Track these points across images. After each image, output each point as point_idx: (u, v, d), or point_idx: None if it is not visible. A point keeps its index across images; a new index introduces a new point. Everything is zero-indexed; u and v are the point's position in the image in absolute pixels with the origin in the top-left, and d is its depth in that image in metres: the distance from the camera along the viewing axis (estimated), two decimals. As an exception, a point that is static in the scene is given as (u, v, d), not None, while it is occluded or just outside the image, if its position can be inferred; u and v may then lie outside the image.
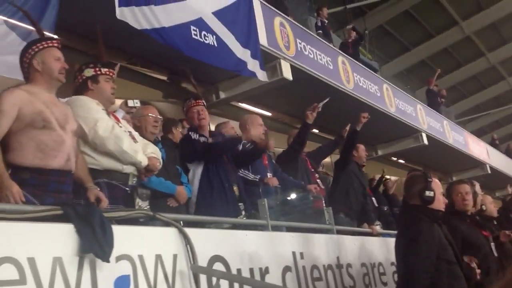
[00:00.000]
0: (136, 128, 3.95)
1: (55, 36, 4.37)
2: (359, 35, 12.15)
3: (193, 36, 5.81)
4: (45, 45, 2.95)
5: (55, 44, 3.00)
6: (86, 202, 2.76)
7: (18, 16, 3.98)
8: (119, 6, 4.82)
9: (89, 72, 3.32)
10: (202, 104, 4.52)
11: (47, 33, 4.15)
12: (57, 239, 2.32)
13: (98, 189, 2.94)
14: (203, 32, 5.96)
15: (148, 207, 3.28)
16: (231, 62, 6.40)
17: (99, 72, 3.33)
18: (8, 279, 2.07)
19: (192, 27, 5.82)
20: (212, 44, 6.06)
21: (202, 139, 4.33)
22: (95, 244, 2.34)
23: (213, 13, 6.19)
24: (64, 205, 2.48)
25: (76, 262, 2.34)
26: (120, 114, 3.85)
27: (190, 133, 4.42)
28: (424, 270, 3.12)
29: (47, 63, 2.91)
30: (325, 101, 5.57)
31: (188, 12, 5.82)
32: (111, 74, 3.40)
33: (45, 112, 2.76)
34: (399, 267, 3.51)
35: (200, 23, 5.97)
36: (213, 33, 6.12)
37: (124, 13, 4.88)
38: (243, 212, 4.26)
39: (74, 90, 3.42)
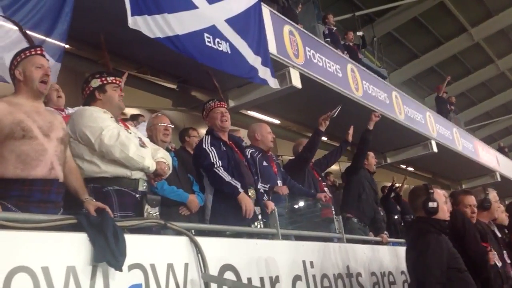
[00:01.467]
0: (148, 137, 3.98)
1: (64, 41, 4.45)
2: (363, 41, 12.23)
3: (207, 43, 5.85)
4: (28, 54, 2.93)
5: (38, 52, 2.97)
6: (99, 211, 2.73)
7: (28, 26, 4.01)
8: (132, 15, 4.85)
9: (95, 83, 3.34)
10: (225, 106, 4.50)
11: (58, 43, 4.21)
12: (70, 248, 2.34)
13: (94, 200, 2.87)
14: (217, 39, 6.00)
15: (158, 213, 3.26)
16: (244, 69, 6.44)
17: (105, 82, 3.34)
18: (23, 288, 2.09)
19: (205, 34, 5.86)
20: (226, 51, 6.11)
21: (213, 152, 4.16)
22: (108, 253, 2.35)
23: (225, 20, 6.23)
24: (78, 214, 2.50)
25: (89, 271, 2.35)
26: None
27: (205, 137, 4.30)
28: (435, 282, 3.14)
29: (28, 72, 2.87)
30: (338, 108, 5.59)
31: (201, 19, 5.86)
32: (117, 82, 3.40)
33: (26, 121, 2.73)
34: (411, 280, 3.54)
35: (214, 30, 6.02)
36: (226, 40, 6.16)
37: (137, 22, 4.92)
38: (259, 217, 4.18)
39: (83, 101, 3.44)
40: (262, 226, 4.18)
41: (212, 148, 4.17)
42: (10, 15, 3.97)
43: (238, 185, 4.05)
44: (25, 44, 3.10)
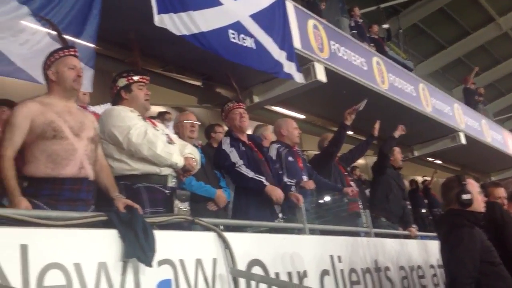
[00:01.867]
0: (175, 134, 4.02)
1: (93, 43, 4.52)
2: (389, 33, 12.12)
3: (231, 40, 5.88)
4: (61, 55, 2.98)
5: (72, 53, 3.02)
6: (128, 208, 2.78)
7: (61, 27, 4.09)
8: (158, 13, 4.92)
9: (122, 82, 3.39)
10: (244, 107, 4.54)
11: (87, 44, 4.28)
12: (101, 245, 2.38)
13: (124, 197, 2.92)
14: (241, 35, 6.04)
15: (188, 208, 3.29)
16: (269, 64, 6.45)
17: (131, 81, 3.38)
18: (56, 284, 2.14)
19: (230, 31, 5.90)
20: (251, 46, 6.14)
21: (234, 152, 4.22)
22: (138, 249, 2.39)
23: (250, 16, 6.26)
24: (108, 211, 2.55)
25: (120, 267, 2.40)
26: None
27: (224, 139, 4.38)
28: (467, 276, 3.09)
29: (61, 73, 2.92)
30: (364, 102, 5.55)
31: (225, 16, 5.90)
32: (144, 80, 3.44)
33: (57, 121, 2.78)
34: (445, 274, 3.50)
35: (238, 26, 6.05)
36: (251, 35, 6.19)
37: (163, 20, 4.98)
38: (280, 215, 4.23)
39: (111, 101, 3.50)
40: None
41: (232, 148, 4.23)
42: (40, 19, 4.06)
43: (263, 179, 4.11)
44: (57, 46, 3.16)
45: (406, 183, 8.76)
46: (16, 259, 2.05)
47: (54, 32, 3.98)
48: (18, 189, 2.58)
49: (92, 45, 4.46)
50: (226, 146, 4.26)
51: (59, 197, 2.71)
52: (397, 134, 6.13)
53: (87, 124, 2.94)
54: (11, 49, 3.95)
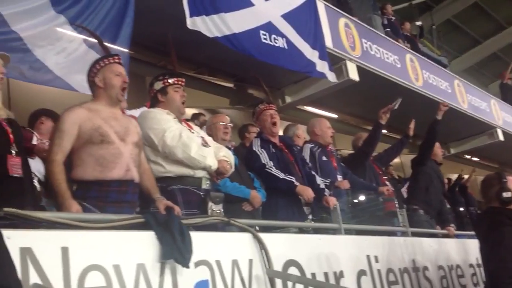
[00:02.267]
0: (208, 135, 4.05)
1: (128, 51, 4.59)
2: (421, 31, 11.93)
3: (263, 40, 5.90)
4: (107, 62, 3.05)
5: (116, 60, 3.10)
6: (169, 210, 2.81)
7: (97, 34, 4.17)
8: (190, 16, 4.97)
9: (158, 85, 3.46)
10: (274, 108, 4.55)
11: (122, 49, 4.35)
12: (139, 247, 2.41)
13: (165, 199, 2.97)
14: (273, 36, 6.05)
15: (222, 210, 3.32)
16: (301, 63, 6.45)
17: (167, 83, 3.44)
18: (96, 286, 2.18)
19: (262, 31, 5.93)
20: (283, 46, 6.14)
21: (264, 153, 4.24)
22: (175, 250, 2.41)
23: (281, 16, 6.27)
24: (146, 213, 2.58)
25: (158, 268, 2.42)
26: None
27: (255, 140, 4.40)
28: (508, 276, 3.02)
29: (108, 79, 3.00)
30: (399, 101, 5.48)
31: (257, 17, 5.93)
32: (179, 82, 3.49)
33: (103, 126, 2.85)
34: (485, 273, 3.43)
35: (270, 27, 6.07)
36: (282, 35, 6.20)
37: (196, 23, 5.03)
38: (310, 216, 4.23)
39: (149, 104, 3.57)
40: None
41: (262, 150, 4.27)
42: (76, 27, 4.15)
43: (293, 179, 4.13)
44: (92, 55, 3.23)
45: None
46: (58, 261, 2.09)
47: (90, 39, 4.07)
48: (68, 192, 2.65)
49: (126, 50, 4.53)
50: (257, 147, 4.30)
51: (106, 199, 2.78)
52: (440, 115, 5.83)
53: (131, 129, 3.01)
54: (49, 57, 4.05)
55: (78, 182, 2.77)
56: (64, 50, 4.14)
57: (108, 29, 4.31)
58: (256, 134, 5.15)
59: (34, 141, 3.94)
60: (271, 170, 4.16)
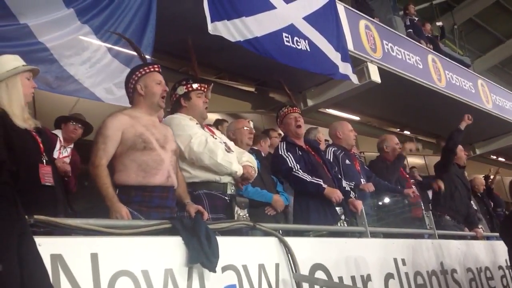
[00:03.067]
0: (231, 140, 4.05)
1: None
2: (442, 31, 11.83)
3: (286, 43, 5.91)
4: (147, 70, 3.09)
5: (156, 69, 3.14)
6: (196, 215, 2.83)
7: (121, 43, 4.23)
8: (212, 21, 4.99)
9: (181, 90, 3.46)
10: (298, 111, 4.53)
11: (146, 57, 4.40)
12: (167, 252, 2.43)
13: (194, 204, 3.00)
14: (295, 38, 6.05)
15: (247, 215, 3.33)
16: (325, 65, 6.44)
17: (190, 89, 3.45)
18: (126, 290, 2.20)
19: (284, 34, 5.93)
20: (305, 49, 6.13)
21: (290, 156, 4.21)
22: (202, 255, 2.42)
23: (303, 18, 6.27)
24: (172, 219, 2.59)
25: (185, 273, 2.43)
26: None
27: (281, 144, 4.37)
28: None
29: (150, 87, 3.04)
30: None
31: (279, 19, 5.93)
32: (202, 88, 3.50)
33: (145, 134, 2.90)
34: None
35: (292, 29, 6.07)
36: (305, 38, 6.20)
37: (217, 28, 5.06)
38: (343, 217, 4.17)
39: (171, 108, 3.58)
40: (345, 225, 4.15)
41: (288, 153, 4.23)
42: (102, 36, 4.22)
43: (321, 181, 4.09)
44: (116, 65, 3.25)
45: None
46: (87, 267, 2.12)
47: (115, 48, 4.13)
48: (116, 196, 2.69)
49: (148, 57, 4.58)
50: (283, 151, 4.26)
51: (150, 203, 2.82)
52: (463, 125, 5.77)
53: (169, 137, 3.05)
54: (75, 67, 4.12)
55: (120, 186, 2.80)
56: (89, 59, 4.19)
57: (132, 37, 4.36)
58: (278, 138, 5.16)
59: (55, 154, 4.02)
60: (298, 173, 4.13)
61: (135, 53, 3.56)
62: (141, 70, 3.09)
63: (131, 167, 2.82)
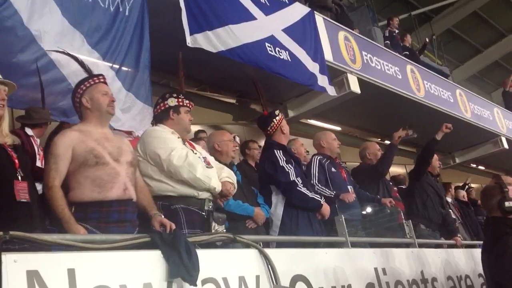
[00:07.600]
0: (215, 152, 4.05)
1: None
2: (423, 47, 12.05)
3: (269, 52, 5.96)
4: (92, 83, 3.06)
5: (102, 80, 3.11)
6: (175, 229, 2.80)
7: (123, 63, 4.51)
8: (191, 34, 4.98)
9: (172, 102, 3.43)
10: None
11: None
12: (146, 266, 2.40)
13: (162, 215, 2.96)
14: (277, 48, 6.12)
15: (224, 231, 3.32)
16: (304, 76, 6.51)
17: (181, 103, 3.44)
18: (103, 306, 2.18)
19: (266, 44, 6.00)
20: (286, 59, 6.19)
21: (292, 170, 4.16)
22: (182, 269, 2.40)
23: (283, 30, 6.33)
24: (151, 232, 2.58)
25: (165, 287, 2.41)
26: None
27: (278, 153, 4.24)
28: None
29: (95, 99, 3.00)
30: (414, 134, 5.81)
31: (260, 30, 6.00)
32: (190, 106, 3.49)
33: (97, 148, 2.85)
34: (487, 283, 3.38)
35: (273, 40, 6.15)
36: (285, 49, 6.28)
37: (197, 40, 5.06)
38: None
39: (154, 116, 3.56)
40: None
41: (289, 165, 4.19)
42: (104, 55, 4.37)
43: (320, 197, 4.18)
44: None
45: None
46: (64, 283, 2.08)
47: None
48: (73, 218, 2.65)
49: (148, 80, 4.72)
50: (283, 162, 4.19)
51: (108, 219, 2.78)
52: (439, 135, 5.79)
53: (124, 149, 3.01)
54: None
55: (75, 204, 2.76)
56: None
57: (132, 55, 4.52)
58: (257, 150, 5.16)
59: (38, 163, 3.96)
60: (301, 188, 4.11)
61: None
62: (85, 83, 3.06)
63: (85, 183, 2.78)
